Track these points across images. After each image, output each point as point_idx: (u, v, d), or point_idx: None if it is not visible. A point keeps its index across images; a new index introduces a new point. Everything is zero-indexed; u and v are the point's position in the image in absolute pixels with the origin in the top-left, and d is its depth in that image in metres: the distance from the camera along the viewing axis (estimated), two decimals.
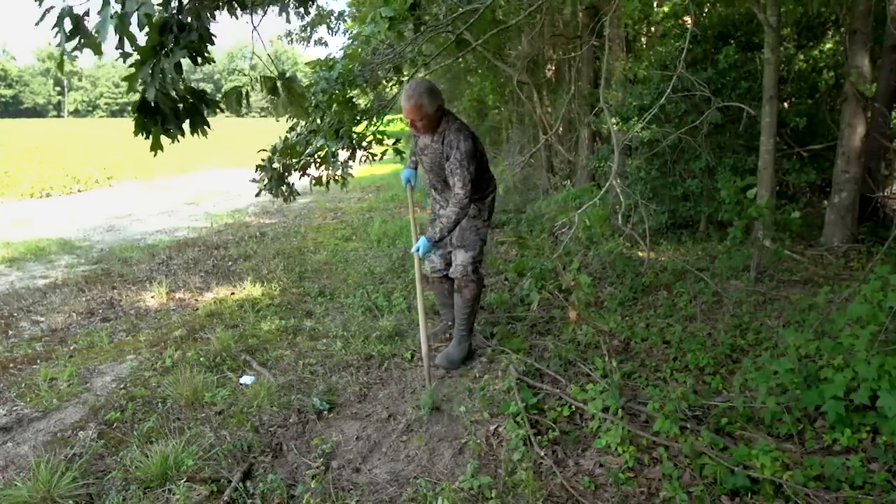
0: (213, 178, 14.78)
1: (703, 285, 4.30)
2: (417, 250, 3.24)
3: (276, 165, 4.13)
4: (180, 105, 2.16)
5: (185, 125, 2.24)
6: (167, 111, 2.12)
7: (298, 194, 4.47)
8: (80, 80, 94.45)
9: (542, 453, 2.46)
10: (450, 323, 3.75)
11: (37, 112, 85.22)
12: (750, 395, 2.74)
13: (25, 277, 5.62)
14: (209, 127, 2.27)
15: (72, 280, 5.38)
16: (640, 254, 5.21)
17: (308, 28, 10.56)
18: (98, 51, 1.95)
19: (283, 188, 4.28)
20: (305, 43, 10.71)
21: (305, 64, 4.49)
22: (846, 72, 5.10)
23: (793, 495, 2.08)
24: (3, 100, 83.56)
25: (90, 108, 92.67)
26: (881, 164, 5.94)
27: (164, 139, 2.24)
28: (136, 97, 2.12)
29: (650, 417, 2.64)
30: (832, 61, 6.54)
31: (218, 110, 2.40)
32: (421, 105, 3.05)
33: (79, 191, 12.43)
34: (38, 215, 9.15)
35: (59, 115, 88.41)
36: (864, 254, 4.83)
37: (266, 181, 4.24)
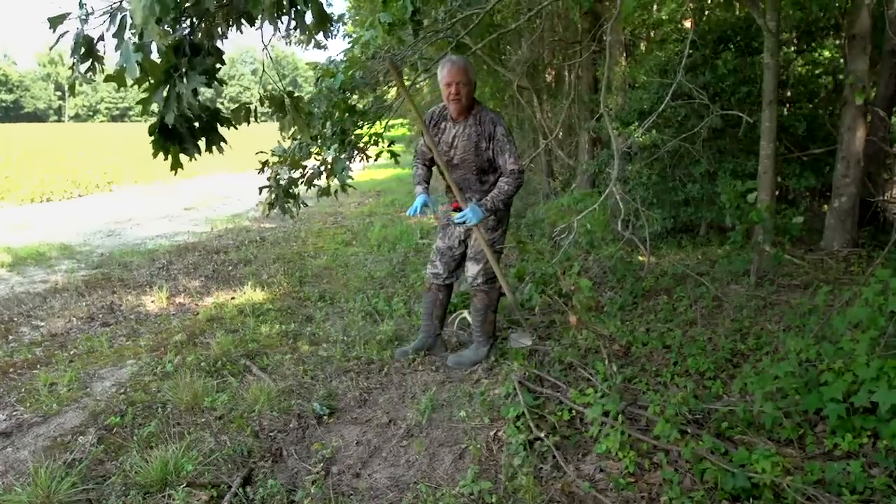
0: (214, 183, 14.80)
1: (703, 290, 4.30)
2: (464, 220, 3.05)
3: (282, 182, 4.07)
4: (196, 124, 2.17)
5: (202, 142, 2.24)
6: (184, 132, 2.13)
7: (306, 205, 4.42)
8: (80, 84, 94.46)
9: (543, 458, 2.46)
10: (429, 340, 3.60)
11: (37, 117, 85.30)
12: (750, 400, 2.73)
13: (26, 282, 5.62)
14: (226, 142, 2.28)
15: (72, 285, 5.38)
16: (640, 258, 5.21)
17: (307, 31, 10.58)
18: (123, 83, 1.95)
19: (290, 203, 4.22)
20: (304, 46, 10.74)
21: (306, 63, 4.48)
22: (846, 76, 5.12)
23: (793, 500, 2.07)
24: (3, 105, 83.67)
25: (91, 113, 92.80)
26: (881, 169, 5.95)
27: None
28: (151, 119, 2.12)
29: (650, 422, 2.63)
30: (831, 66, 6.56)
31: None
32: (467, 69, 2.95)
33: (79, 195, 12.45)
34: (38, 220, 9.16)
35: (59, 120, 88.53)
36: (865, 258, 4.83)
37: (273, 198, 4.17)
